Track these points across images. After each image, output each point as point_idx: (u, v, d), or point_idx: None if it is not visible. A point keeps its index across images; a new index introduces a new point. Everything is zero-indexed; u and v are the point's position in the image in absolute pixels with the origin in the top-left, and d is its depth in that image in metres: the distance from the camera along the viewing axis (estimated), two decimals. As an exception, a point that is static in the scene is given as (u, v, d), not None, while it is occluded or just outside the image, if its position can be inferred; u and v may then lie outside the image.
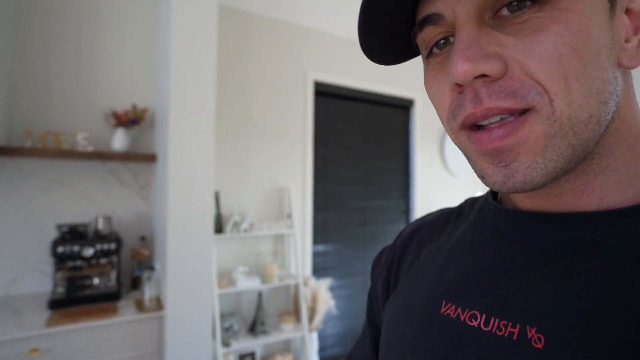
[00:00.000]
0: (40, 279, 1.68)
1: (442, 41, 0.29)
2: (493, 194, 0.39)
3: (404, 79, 2.90)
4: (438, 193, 3.08)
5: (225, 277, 2.05)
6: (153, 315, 1.53)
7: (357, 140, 2.73)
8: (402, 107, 2.97)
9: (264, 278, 2.09)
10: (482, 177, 0.28)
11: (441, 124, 3.07)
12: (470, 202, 0.43)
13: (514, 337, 0.26)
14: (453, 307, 0.32)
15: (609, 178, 0.27)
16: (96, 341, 1.42)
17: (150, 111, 1.88)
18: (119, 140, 1.73)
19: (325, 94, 2.58)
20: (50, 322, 1.35)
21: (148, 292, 1.60)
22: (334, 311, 2.33)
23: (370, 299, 0.48)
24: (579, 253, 0.27)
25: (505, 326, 0.27)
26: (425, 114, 3.03)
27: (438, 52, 0.29)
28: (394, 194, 2.92)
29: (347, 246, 2.67)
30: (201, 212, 1.55)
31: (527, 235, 0.30)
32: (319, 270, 2.52)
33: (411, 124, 2.99)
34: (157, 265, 1.75)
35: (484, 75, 0.25)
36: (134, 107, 1.77)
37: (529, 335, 0.26)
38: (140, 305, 1.57)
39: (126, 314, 1.49)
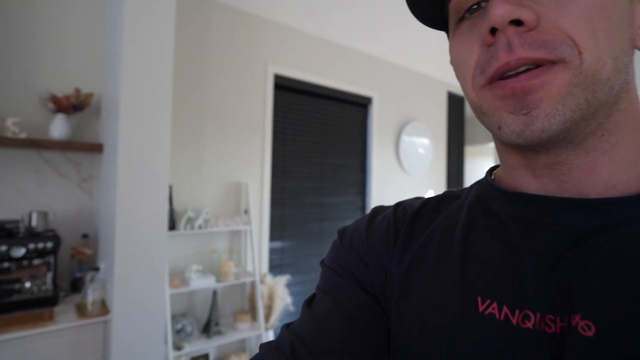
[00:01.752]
0: (-42, 284, 1.47)
1: (474, 6, 0.30)
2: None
3: (363, 77, 2.93)
4: (392, 191, 3.17)
5: (178, 277, 1.94)
6: (97, 321, 1.40)
7: (315, 136, 2.71)
8: (360, 105, 3.00)
9: (219, 276, 2.01)
10: (499, 129, 0.28)
11: (396, 124, 3.17)
12: (456, 194, 0.41)
13: (565, 331, 0.25)
14: (495, 304, 0.29)
15: (617, 155, 0.28)
16: (29, 353, 1.27)
17: (97, 97, 1.71)
18: (58, 128, 1.56)
19: (286, 88, 2.53)
20: (-29, 333, 1.18)
21: (91, 295, 1.46)
22: (291, 308, 2.30)
23: (337, 270, 0.41)
24: (607, 234, 0.27)
25: (553, 321, 0.26)
26: (382, 113, 3.09)
27: (469, 16, 0.30)
28: (350, 191, 2.95)
29: (303, 243, 2.65)
30: (154, 206, 1.45)
31: (551, 221, 0.29)
32: (275, 268, 2.48)
33: (369, 122, 3.04)
34: (102, 265, 1.61)
35: (518, 24, 0.25)
36: (77, 91, 1.60)
37: (576, 323, 0.25)
38: (81, 310, 1.43)
39: (65, 321, 1.35)
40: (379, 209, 0.44)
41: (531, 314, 0.27)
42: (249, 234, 2.23)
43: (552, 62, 0.25)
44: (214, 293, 2.05)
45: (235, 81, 2.27)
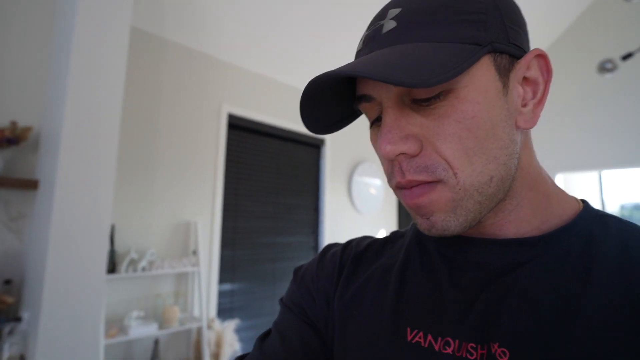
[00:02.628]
0: None
1: (377, 119, 0.35)
2: None
3: (315, 120, 3.04)
4: (345, 230, 3.21)
5: (116, 324, 1.78)
6: (14, 380, 1.23)
7: (269, 176, 2.73)
8: (313, 146, 3.09)
9: (163, 323, 1.87)
10: (416, 223, 0.34)
11: (349, 165, 3.29)
12: (401, 233, 0.45)
13: (485, 358, 0.29)
14: (421, 334, 0.33)
15: (520, 213, 0.34)
16: None
17: (35, 131, 1.62)
18: (-13, 162, 1.44)
19: (239, 128, 2.56)
20: None
21: (8, 350, 1.30)
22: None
23: (290, 307, 0.44)
24: (521, 272, 0.32)
25: (475, 349, 0.30)
26: (335, 154, 3.20)
27: (378, 123, 0.36)
28: (304, 230, 2.95)
29: (255, 284, 2.57)
30: (92, 247, 1.35)
31: (474, 260, 0.35)
32: (224, 312, 2.36)
33: (321, 163, 3.12)
34: (25, 315, 1.44)
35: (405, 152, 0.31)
36: (14, 124, 1.51)
37: (493, 351, 0.29)
38: (-4, 368, 1.26)
39: (-26, 381, 1.18)
40: (330, 246, 0.48)
41: (451, 341, 0.31)
42: (197, 276, 2.13)
43: (435, 182, 0.30)
44: (156, 341, 1.89)
45: (188, 119, 2.26)
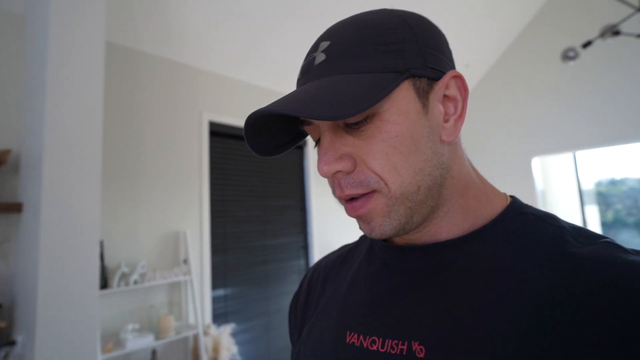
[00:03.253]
0: None
1: (318, 141, 0.39)
2: None
3: (296, 121, 3.07)
4: (333, 228, 3.26)
5: (112, 339, 1.79)
6: (14, 403, 1.24)
7: (254, 180, 2.75)
8: (296, 147, 3.12)
9: (159, 333, 1.89)
10: (360, 228, 0.39)
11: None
12: (364, 238, 0.51)
13: (404, 353, 0.33)
14: (356, 335, 0.38)
15: (451, 219, 0.38)
16: None
17: (14, 153, 1.61)
18: (-32, 188, 1.43)
19: (221, 135, 2.58)
20: None
21: (6, 373, 1.29)
22: (238, 358, 2.21)
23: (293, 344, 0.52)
24: (443, 274, 0.36)
25: (397, 345, 0.34)
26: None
27: (319, 144, 0.39)
28: (292, 231, 2.99)
29: (248, 287, 2.60)
30: (83, 266, 1.36)
31: (406, 266, 0.39)
32: (219, 317, 2.38)
33: (305, 163, 3.16)
34: (19, 338, 1.44)
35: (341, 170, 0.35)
36: (-9, 148, 1.49)
37: (414, 349, 0.33)
38: (-6, 393, 1.26)
39: (-26, 408, 1.18)
40: (306, 275, 0.55)
41: (376, 339, 0.36)
42: (190, 284, 2.14)
43: (371, 192, 0.34)
44: (153, 352, 1.91)
45: (170, 130, 2.27)
